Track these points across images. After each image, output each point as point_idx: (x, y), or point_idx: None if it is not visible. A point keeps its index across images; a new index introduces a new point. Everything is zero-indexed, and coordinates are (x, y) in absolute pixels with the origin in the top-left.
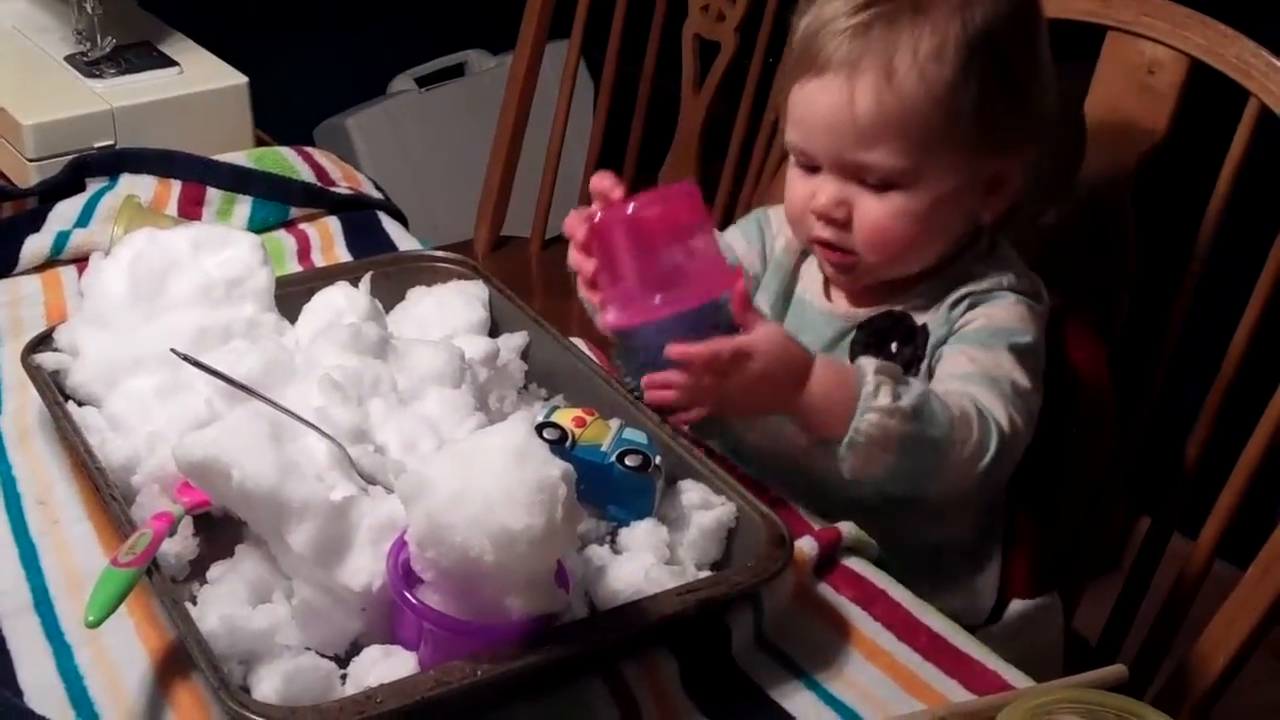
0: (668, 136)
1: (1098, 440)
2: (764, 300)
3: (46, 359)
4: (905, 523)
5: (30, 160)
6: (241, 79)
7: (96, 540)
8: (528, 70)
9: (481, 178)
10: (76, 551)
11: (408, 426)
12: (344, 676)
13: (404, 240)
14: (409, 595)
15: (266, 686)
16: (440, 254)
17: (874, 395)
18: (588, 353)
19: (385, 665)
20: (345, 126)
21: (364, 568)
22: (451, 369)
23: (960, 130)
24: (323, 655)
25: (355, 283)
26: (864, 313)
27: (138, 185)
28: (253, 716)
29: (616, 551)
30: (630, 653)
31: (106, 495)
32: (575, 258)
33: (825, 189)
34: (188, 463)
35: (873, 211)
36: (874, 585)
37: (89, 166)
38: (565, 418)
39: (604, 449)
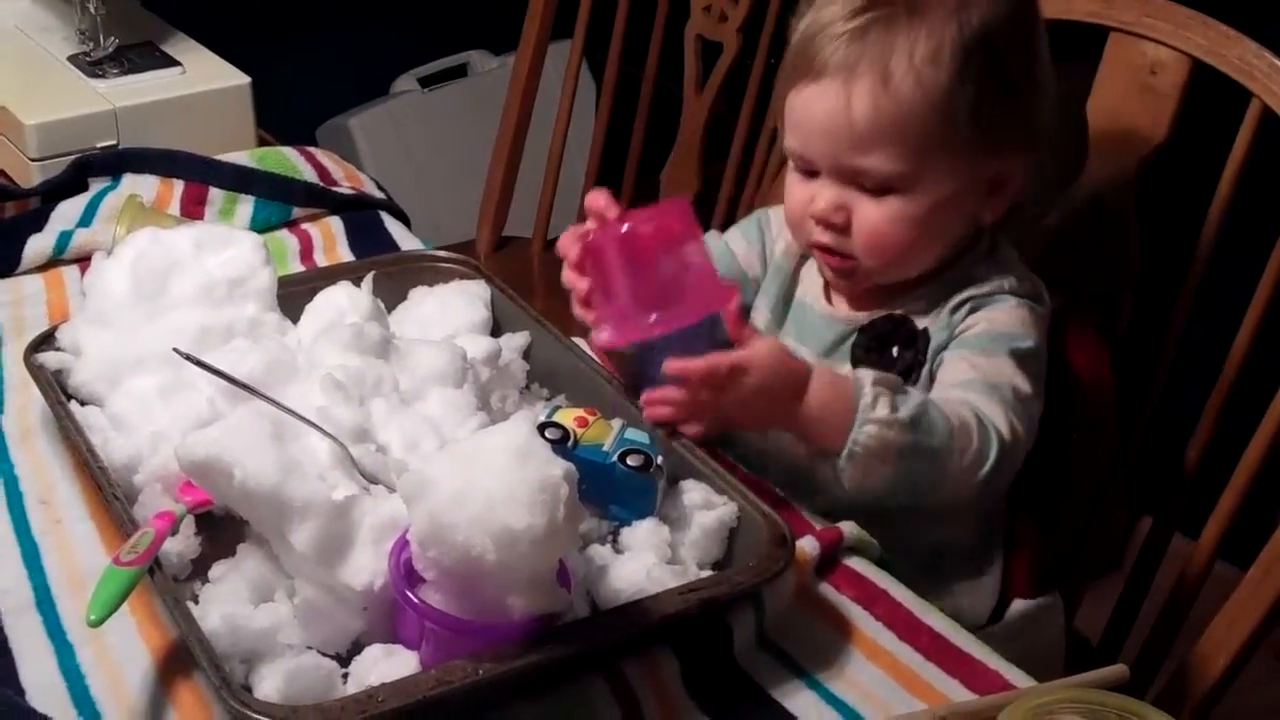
0: (670, 137)
1: (1099, 441)
2: (764, 303)
3: (49, 358)
4: (907, 524)
5: (33, 160)
6: (244, 79)
7: (98, 539)
8: (530, 71)
9: (484, 178)
10: (78, 550)
11: (410, 426)
12: (346, 676)
13: (406, 240)
14: (411, 594)
15: (268, 685)
16: (442, 254)
17: (872, 407)
18: (589, 353)
19: (387, 664)
20: (348, 126)
21: (366, 567)
22: (453, 369)
23: (958, 134)
24: (324, 654)
25: (357, 282)
26: (865, 316)
27: (140, 185)
28: (255, 715)
29: (618, 551)
30: (632, 652)
31: (109, 494)
32: (569, 276)
33: (823, 194)
34: (190, 462)
35: (871, 216)
36: (875, 585)
37: (92, 166)
38: (567, 417)
39: (606, 449)
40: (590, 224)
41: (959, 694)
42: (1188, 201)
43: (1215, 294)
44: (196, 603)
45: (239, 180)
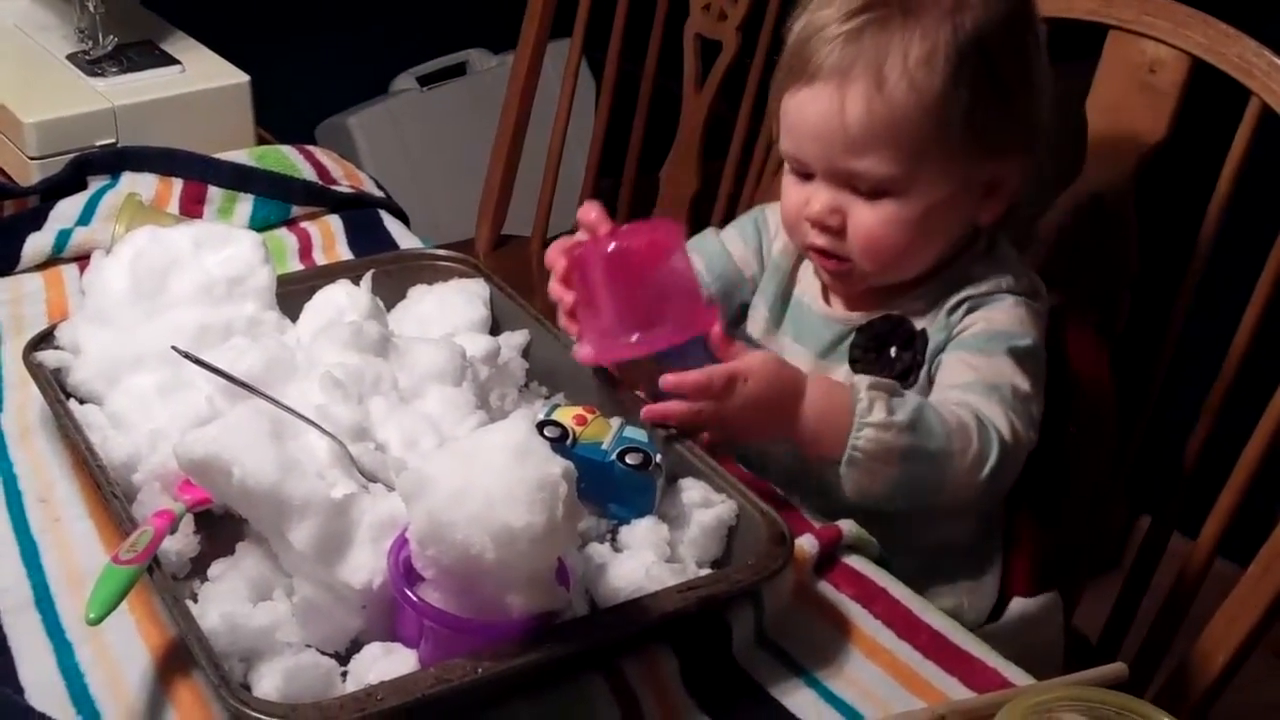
0: (669, 136)
1: (1098, 440)
2: (762, 303)
3: (48, 357)
4: (906, 523)
5: (32, 158)
6: (243, 77)
7: (97, 538)
8: (529, 69)
9: (483, 176)
10: (77, 549)
11: (409, 424)
12: (345, 674)
13: (405, 239)
14: (410, 593)
15: (267, 684)
16: (441, 252)
17: (868, 411)
18: None
19: (386, 663)
20: (347, 125)
21: (365, 565)
22: (452, 367)
23: (952, 137)
24: (323, 653)
25: (356, 281)
26: (862, 317)
27: (139, 183)
28: (253, 714)
29: (617, 549)
30: (631, 650)
31: (108, 493)
32: (555, 289)
33: (819, 196)
34: (189, 460)
35: (866, 219)
36: (874, 583)
37: (91, 165)
38: (566, 416)
39: (605, 447)
40: (579, 235)
41: (958, 692)
42: (1187, 200)
43: (1214, 292)
44: (195, 601)
45: (238, 179)
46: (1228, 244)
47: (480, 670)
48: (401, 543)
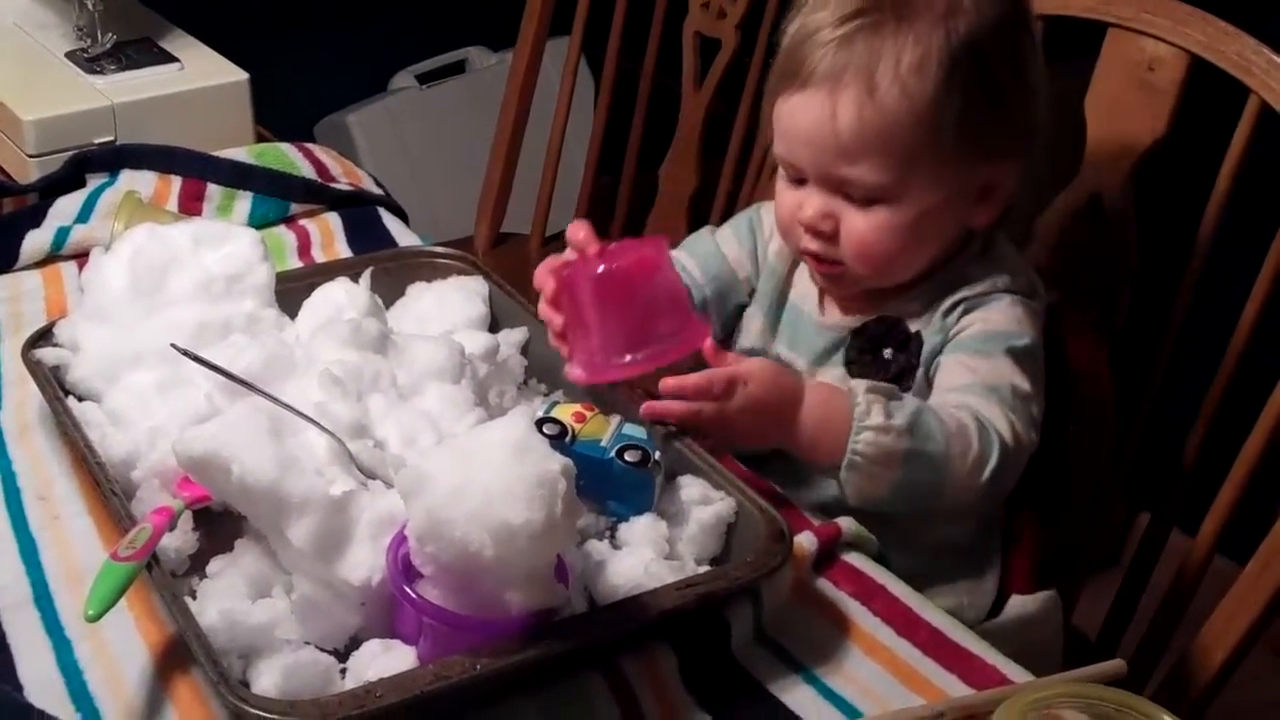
0: (668, 134)
1: (1098, 437)
2: (758, 306)
3: (47, 354)
4: (906, 523)
5: (31, 156)
6: (242, 75)
7: (96, 535)
8: (528, 67)
9: (482, 174)
10: (76, 546)
11: (407, 421)
12: (343, 671)
13: (404, 236)
14: (408, 590)
15: (266, 681)
16: (440, 250)
17: (866, 415)
18: None
19: (385, 660)
20: (346, 123)
21: (363, 562)
22: (451, 364)
23: (945, 143)
24: (322, 650)
25: (355, 278)
26: (857, 320)
27: (138, 181)
28: (252, 710)
29: (616, 546)
30: (630, 647)
31: (106, 490)
32: (545, 310)
33: (811, 202)
34: (188, 457)
35: (858, 225)
36: (873, 580)
37: (90, 162)
38: (565, 413)
39: (604, 444)
40: (568, 254)
41: (957, 689)
42: (1186, 197)
43: (1213, 289)
44: (194, 598)
45: (237, 176)
46: (1227, 241)
47: (479, 667)
48: (400, 540)
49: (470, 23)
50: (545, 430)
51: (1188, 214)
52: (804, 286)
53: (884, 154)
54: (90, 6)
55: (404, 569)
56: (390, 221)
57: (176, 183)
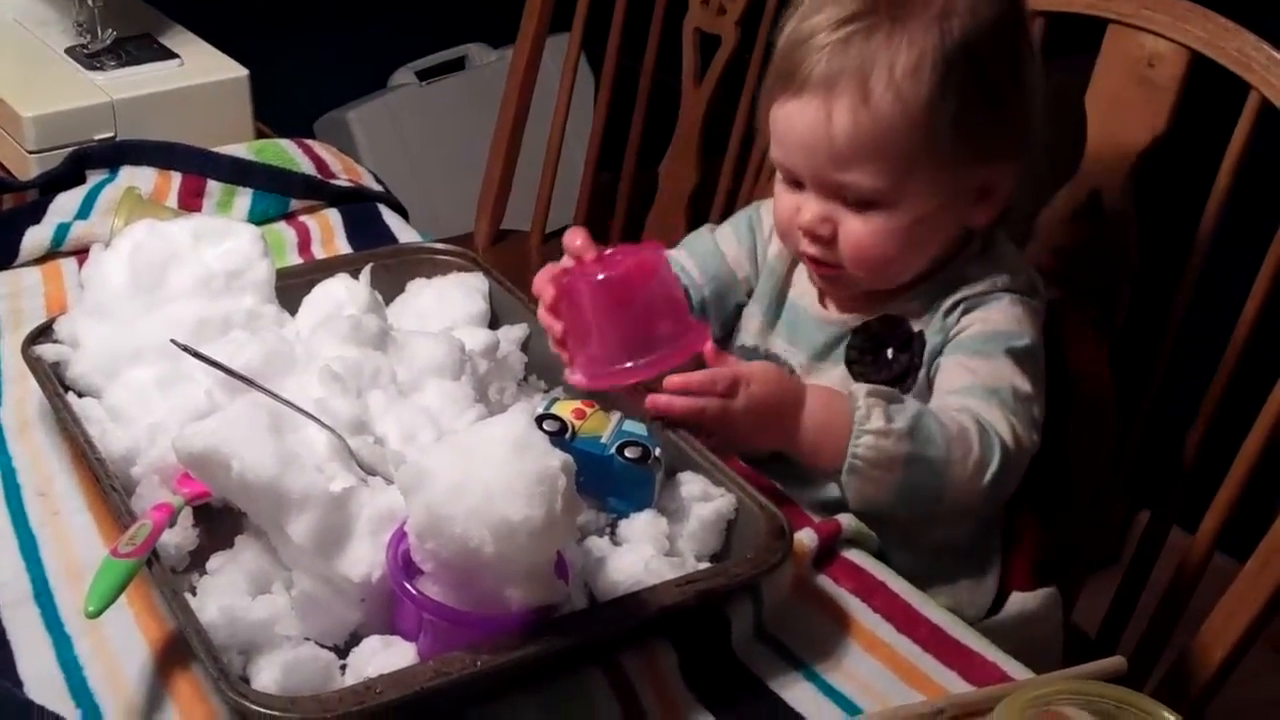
0: (668, 131)
1: (1098, 435)
2: (758, 306)
3: (47, 350)
4: (906, 523)
5: (30, 152)
6: (242, 71)
7: (96, 531)
8: (528, 64)
9: (482, 171)
10: (76, 542)
11: (407, 418)
12: (343, 667)
13: (404, 233)
14: (408, 586)
15: (266, 677)
16: (440, 246)
17: (866, 418)
18: None
19: (385, 656)
20: (346, 120)
21: (364, 559)
22: (451, 361)
23: (941, 146)
24: (322, 646)
25: (355, 275)
26: (857, 319)
27: (138, 177)
28: (252, 706)
29: (616, 543)
30: (630, 644)
31: (106, 486)
32: (544, 317)
33: (809, 206)
34: (188, 454)
35: (856, 230)
36: (873, 577)
37: (89, 158)
38: (565, 409)
39: (604, 441)
40: (566, 261)
41: (957, 686)
42: (1186, 194)
43: (1214, 287)
44: (194, 594)
45: (237, 173)
46: (1227, 238)
47: (479, 663)
48: (400, 536)
49: (470, 19)
50: (545, 427)
51: (1188, 211)
52: (803, 285)
53: (880, 159)
54: (90, 3)
55: (404, 565)
56: (390, 218)
57: (176, 179)
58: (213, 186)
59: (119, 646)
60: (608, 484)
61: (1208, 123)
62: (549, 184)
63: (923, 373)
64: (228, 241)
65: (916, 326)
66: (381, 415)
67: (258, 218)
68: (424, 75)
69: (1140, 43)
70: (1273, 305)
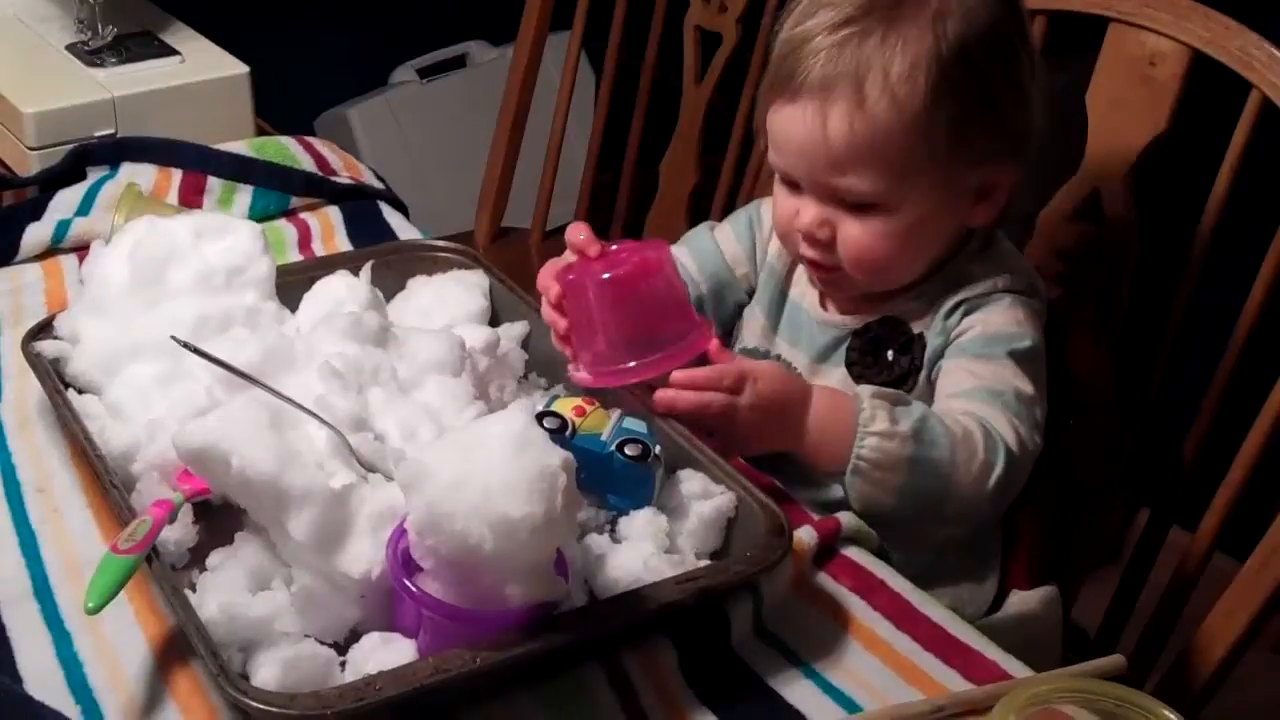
0: (669, 128)
1: (1097, 434)
2: (758, 306)
3: (47, 347)
4: (907, 523)
5: (31, 149)
6: (243, 68)
7: (96, 527)
8: (529, 62)
9: (482, 169)
10: (76, 539)
11: (407, 415)
12: (343, 664)
13: (405, 230)
14: (408, 583)
15: (266, 673)
16: (441, 243)
17: (871, 420)
18: None
19: (384, 653)
20: (346, 117)
21: (363, 555)
22: (452, 358)
23: (938, 149)
24: (322, 642)
25: (356, 272)
26: (858, 321)
27: (139, 174)
28: (252, 703)
29: (616, 540)
30: (629, 641)
31: (106, 483)
32: (548, 314)
33: (807, 210)
34: (187, 450)
35: (854, 233)
36: (873, 575)
37: (90, 155)
38: (565, 406)
39: (604, 438)
40: (568, 256)
41: (957, 684)
42: (1187, 193)
43: (1214, 285)
44: (194, 591)
45: (237, 169)
46: (1227, 237)
47: (478, 660)
48: (400, 533)
49: (471, 17)
50: (545, 424)
51: (1188, 209)
52: (804, 286)
53: (876, 164)
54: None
55: (404, 562)
56: (391, 215)
57: (177, 176)
58: (213, 183)
59: (119, 643)
60: (608, 481)
61: (1209, 121)
62: (549, 181)
63: (923, 375)
64: (228, 238)
65: (917, 328)
66: (381, 412)
67: (258, 214)
68: (425, 73)
69: (1141, 41)
70: (1273, 305)
